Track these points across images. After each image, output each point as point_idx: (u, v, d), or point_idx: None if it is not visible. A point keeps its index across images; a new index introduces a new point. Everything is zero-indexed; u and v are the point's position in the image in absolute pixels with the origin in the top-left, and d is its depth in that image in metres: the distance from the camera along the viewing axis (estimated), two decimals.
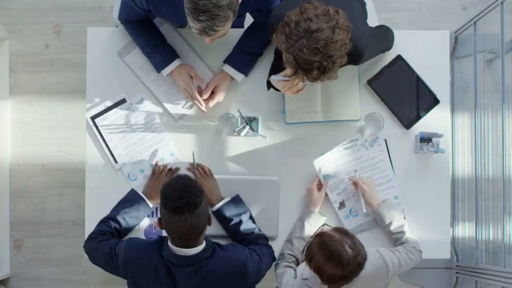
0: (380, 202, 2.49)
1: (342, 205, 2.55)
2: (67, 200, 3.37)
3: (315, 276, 2.13)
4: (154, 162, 2.55)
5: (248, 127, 2.52)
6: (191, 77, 2.52)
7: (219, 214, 2.46)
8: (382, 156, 2.57)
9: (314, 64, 2.08)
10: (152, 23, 2.54)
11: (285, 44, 2.11)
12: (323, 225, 2.28)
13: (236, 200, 2.49)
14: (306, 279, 2.25)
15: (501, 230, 2.80)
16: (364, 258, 2.11)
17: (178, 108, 2.59)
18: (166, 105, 2.59)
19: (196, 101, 2.51)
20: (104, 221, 2.44)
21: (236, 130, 2.53)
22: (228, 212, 2.45)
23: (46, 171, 3.38)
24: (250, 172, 2.58)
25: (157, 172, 2.52)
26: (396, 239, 2.48)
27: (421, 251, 2.46)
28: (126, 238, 2.31)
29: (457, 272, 3.23)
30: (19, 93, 3.40)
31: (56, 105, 3.40)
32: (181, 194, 2.08)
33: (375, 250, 2.32)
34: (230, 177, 2.53)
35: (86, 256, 2.42)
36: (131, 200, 2.49)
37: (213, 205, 2.47)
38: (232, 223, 2.45)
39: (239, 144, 2.59)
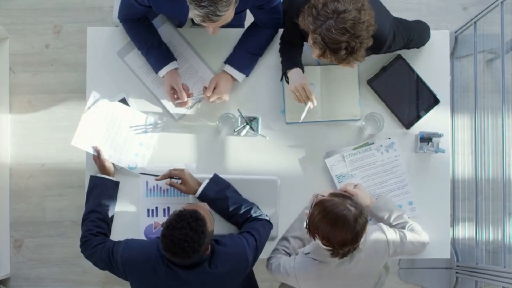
0: (374, 200, 2.50)
1: None
2: (67, 200, 3.37)
3: (318, 248, 2.15)
4: (95, 147, 2.52)
5: (248, 127, 2.52)
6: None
7: (204, 198, 2.45)
8: (397, 162, 2.57)
9: (342, 44, 2.10)
10: (150, 23, 2.54)
11: (312, 25, 2.13)
12: (316, 195, 2.27)
13: (215, 179, 2.48)
14: (308, 253, 2.27)
15: (501, 230, 2.80)
16: (367, 212, 2.15)
17: (178, 108, 2.59)
18: (166, 105, 2.59)
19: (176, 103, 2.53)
20: (86, 219, 2.45)
21: (236, 130, 2.53)
22: (212, 193, 2.44)
23: (46, 171, 3.38)
24: (250, 172, 2.58)
25: (98, 151, 2.50)
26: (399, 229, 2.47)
27: (426, 241, 2.46)
28: (123, 240, 2.32)
29: (457, 272, 3.23)
30: (19, 93, 3.40)
31: (56, 105, 3.39)
32: (182, 252, 2.09)
33: (376, 225, 2.35)
34: (230, 177, 2.53)
35: None
36: (95, 186, 2.48)
37: (195, 192, 2.46)
38: (219, 201, 2.44)
39: (239, 144, 2.59)
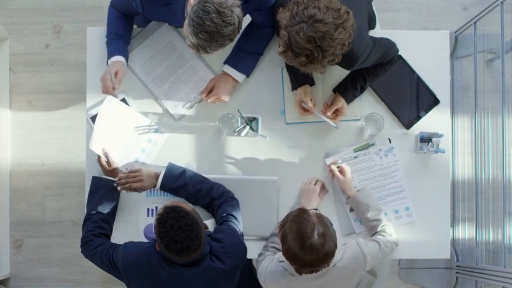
0: (355, 191, 2.49)
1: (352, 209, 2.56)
2: (67, 200, 3.37)
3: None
4: (103, 150, 2.50)
5: (248, 127, 2.52)
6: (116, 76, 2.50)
7: (165, 188, 2.46)
8: (396, 166, 2.57)
9: (304, 51, 2.06)
10: (132, 20, 2.54)
11: (286, 22, 2.09)
12: (316, 209, 2.27)
13: (170, 168, 2.46)
14: (283, 261, 2.26)
15: (501, 230, 2.80)
16: (328, 254, 2.09)
17: (178, 108, 2.59)
18: (166, 105, 2.59)
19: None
20: (88, 219, 2.44)
21: (236, 130, 2.53)
22: (171, 182, 2.44)
23: (46, 171, 3.38)
24: (250, 172, 2.58)
25: (106, 154, 2.49)
26: (372, 226, 2.47)
27: (397, 241, 2.47)
28: (122, 244, 2.32)
29: (457, 272, 3.23)
30: (19, 93, 3.40)
31: (56, 105, 3.40)
32: (185, 245, 2.09)
33: (354, 242, 2.33)
34: (230, 177, 2.53)
35: None
36: (99, 187, 2.48)
37: (155, 185, 2.45)
38: (181, 189, 2.45)
39: (239, 144, 2.59)
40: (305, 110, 2.50)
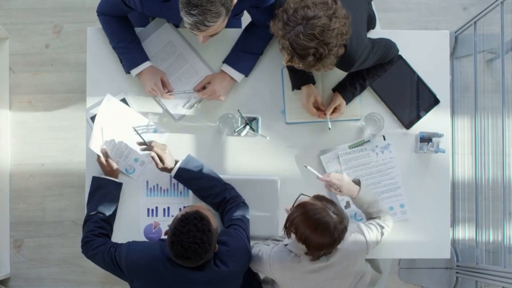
0: (357, 190, 2.45)
1: (348, 205, 2.56)
2: (67, 200, 3.37)
3: (296, 241, 2.16)
4: (103, 149, 2.50)
5: (248, 127, 2.52)
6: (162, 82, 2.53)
7: (180, 176, 2.46)
8: (392, 163, 2.57)
9: (310, 50, 2.08)
10: (127, 18, 2.53)
11: (281, 31, 2.11)
12: (300, 195, 2.27)
13: (189, 159, 2.48)
14: (287, 244, 2.28)
15: (501, 230, 2.80)
16: (348, 220, 2.15)
17: (178, 108, 2.59)
18: (166, 105, 2.59)
19: (163, 98, 2.54)
20: (88, 219, 2.44)
21: (236, 130, 2.53)
22: (187, 172, 2.44)
23: (46, 171, 3.38)
24: (250, 172, 2.58)
25: (106, 153, 2.49)
26: (374, 218, 2.45)
27: (392, 221, 2.47)
28: (125, 243, 2.32)
29: (457, 272, 3.24)
30: (19, 93, 3.40)
31: (56, 105, 3.40)
32: (187, 254, 2.10)
33: (355, 225, 2.34)
34: (230, 177, 2.53)
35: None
36: (99, 187, 2.48)
37: (170, 170, 2.45)
38: (195, 181, 2.45)
39: (239, 144, 2.59)
40: (318, 109, 2.51)
